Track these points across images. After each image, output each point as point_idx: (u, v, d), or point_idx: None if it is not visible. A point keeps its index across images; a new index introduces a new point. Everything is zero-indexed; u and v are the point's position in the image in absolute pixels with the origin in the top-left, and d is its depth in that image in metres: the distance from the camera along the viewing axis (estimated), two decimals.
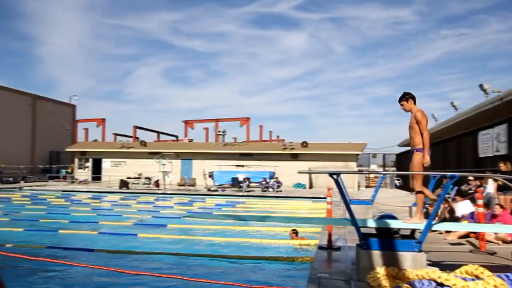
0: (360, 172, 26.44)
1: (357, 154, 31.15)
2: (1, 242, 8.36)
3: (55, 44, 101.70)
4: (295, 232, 9.45)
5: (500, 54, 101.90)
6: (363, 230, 4.47)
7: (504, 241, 6.58)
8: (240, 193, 23.74)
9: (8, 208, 16.14)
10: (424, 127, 5.11)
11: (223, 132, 36.06)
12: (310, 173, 29.85)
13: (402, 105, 5.37)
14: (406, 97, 5.33)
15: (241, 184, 25.47)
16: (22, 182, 30.75)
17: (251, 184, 25.85)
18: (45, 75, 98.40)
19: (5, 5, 78.89)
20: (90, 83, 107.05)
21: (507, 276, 3.73)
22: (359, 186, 29.26)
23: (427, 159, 5.00)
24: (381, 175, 9.92)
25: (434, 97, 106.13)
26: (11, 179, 30.55)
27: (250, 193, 23.81)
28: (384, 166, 36.77)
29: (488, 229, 5.89)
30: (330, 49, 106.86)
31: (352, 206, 5.04)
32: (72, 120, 43.76)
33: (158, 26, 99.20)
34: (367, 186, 30.93)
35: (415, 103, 5.32)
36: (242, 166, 28.95)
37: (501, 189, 8.62)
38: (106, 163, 34.02)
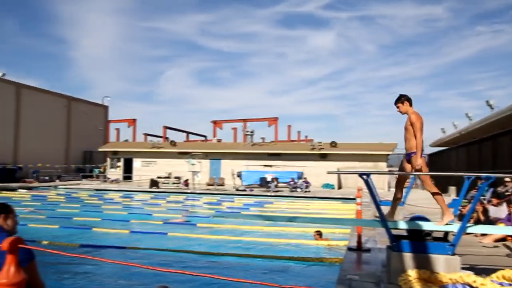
0: (390, 172, 25.97)
1: (387, 154, 30.61)
2: (38, 238, 8.66)
3: (89, 47, 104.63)
4: (319, 234, 9.35)
5: None
6: (393, 232, 4.39)
7: None
8: (268, 193, 23.74)
9: (45, 205, 16.71)
10: (418, 129, 5.07)
11: (252, 132, 36.15)
12: (339, 174, 29.56)
13: (398, 107, 5.38)
14: (402, 99, 5.34)
15: (269, 184, 25.46)
16: (57, 181, 31.78)
17: (279, 184, 25.81)
18: (79, 77, 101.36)
19: (42, 10, 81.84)
20: (122, 84, 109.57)
21: None
22: (389, 187, 28.74)
23: (419, 162, 4.93)
24: (413, 176, 9.67)
25: (468, 96, 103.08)
26: (47, 178, 31.62)
27: (278, 193, 23.79)
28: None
29: None
30: (358, 48, 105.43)
31: (382, 207, 4.96)
32: (105, 120, 44.89)
33: (188, 27, 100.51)
34: None
35: (411, 105, 5.32)
36: (270, 166, 28.93)
37: None
38: (137, 163, 34.73)
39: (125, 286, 6.28)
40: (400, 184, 5.64)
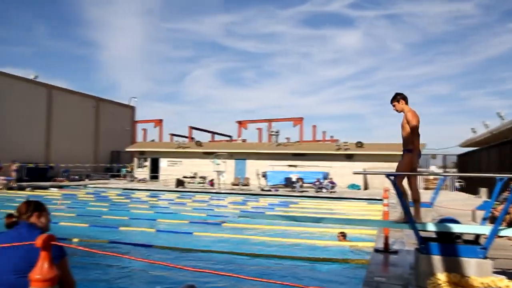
0: (418, 173, 25.46)
1: None
2: (69, 236, 8.89)
3: (116, 49, 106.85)
4: (343, 235, 9.25)
5: None
6: (422, 234, 4.30)
7: None
8: (294, 194, 23.66)
9: (75, 204, 17.15)
10: (413, 127, 5.05)
11: (276, 132, 36.11)
12: (365, 174, 29.19)
13: (394, 105, 5.36)
14: (398, 97, 5.33)
15: (294, 185, 25.37)
16: (86, 180, 32.59)
17: (304, 185, 25.68)
18: (107, 78, 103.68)
19: (72, 14, 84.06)
20: (148, 85, 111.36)
21: None
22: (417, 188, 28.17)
23: (415, 162, 5.08)
24: (441, 177, 9.46)
25: (500, 95, 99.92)
26: (77, 177, 32.46)
27: (303, 194, 23.67)
28: (444, 167, 35.12)
29: None
30: (385, 47, 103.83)
31: (411, 209, 4.87)
32: (132, 121, 45.73)
33: (212, 28, 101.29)
34: (426, 188, 29.67)
35: (407, 103, 5.29)
36: (295, 166, 28.82)
37: None
38: (163, 163, 35.23)
39: (153, 284, 6.38)
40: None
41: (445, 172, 33.47)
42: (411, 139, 5.14)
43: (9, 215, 2.83)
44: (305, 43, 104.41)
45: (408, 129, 5.17)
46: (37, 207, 2.93)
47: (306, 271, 7.20)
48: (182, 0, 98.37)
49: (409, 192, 5.35)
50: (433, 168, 36.07)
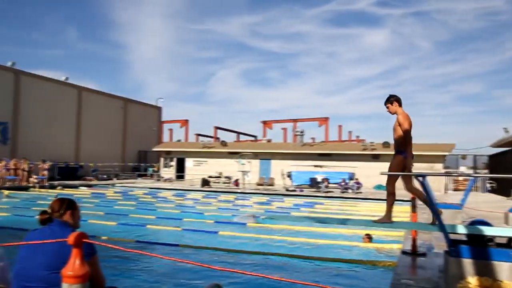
0: (448, 174, 24.87)
1: (444, 155, 29.34)
2: (98, 234, 9.10)
3: (143, 50, 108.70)
4: (369, 237, 9.11)
5: None
6: (451, 236, 4.20)
7: None
8: (319, 194, 23.50)
9: (103, 202, 17.53)
10: (406, 130, 5.09)
11: (301, 132, 35.95)
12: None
13: (387, 107, 5.42)
14: (391, 99, 5.39)
15: (320, 185, 25.20)
16: (114, 179, 33.25)
17: (329, 185, 25.48)
18: (135, 79, 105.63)
19: (101, 16, 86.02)
20: (175, 86, 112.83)
21: None
22: (446, 189, 27.54)
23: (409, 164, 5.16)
24: (472, 178, 9.22)
25: None
26: (105, 176, 33.18)
27: (328, 194, 23.48)
28: (475, 168, 34.17)
29: None
30: (413, 45, 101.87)
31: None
32: (158, 121, 46.40)
33: (237, 28, 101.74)
34: (455, 190, 28.99)
35: (400, 105, 5.34)
36: (321, 166, 28.63)
37: None
38: (188, 162, 35.61)
39: (179, 282, 6.46)
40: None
41: (475, 173, 32.57)
42: (403, 141, 5.20)
43: (43, 212, 2.92)
44: (331, 43, 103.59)
45: (399, 131, 5.22)
46: (70, 205, 3.02)
47: (332, 272, 7.15)
48: (208, 1, 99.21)
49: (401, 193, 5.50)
50: (462, 169, 35.16)
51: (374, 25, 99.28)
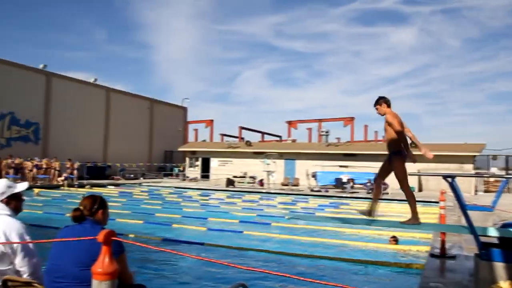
0: (477, 175, 24.19)
1: (474, 156, 28.55)
2: (125, 232, 9.28)
3: (170, 51, 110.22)
4: (395, 239, 8.94)
5: None
6: (482, 239, 4.08)
7: None
8: (344, 194, 23.28)
9: (131, 201, 17.86)
10: (396, 127, 5.08)
11: (327, 132, 35.68)
12: (420, 175, 28.09)
13: (377, 109, 5.48)
14: (380, 101, 5.44)
15: (345, 185, 24.95)
16: (141, 178, 33.82)
17: (355, 185, 25.19)
18: (161, 80, 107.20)
19: (128, 18, 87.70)
20: (200, 86, 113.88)
21: None
22: (476, 191, 26.81)
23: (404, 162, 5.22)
24: (504, 179, 8.93)
25: None
26: (132, 175, 33.79)
27: (354, 195, 23.22)
28: (507, 169, 33.09)
29: None
30: (442, 43, 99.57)
31: (469, 212, 4.65)
32: (184, 121, 46.91)
33: (262, 29, 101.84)
34: (486, 191, 28.18)
35: (389, 106, 5.37)
36: (346, 166, 28.34)
37: None
38: (213, 162, 35.86)
39: (204, 281, 6.52)
40: (383, 173, 5.69)
41: (507, 174, 31.55)
42: (398, 141, 5.22)
43: (76, 209, 2.99)
44: (357, 42, 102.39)
45: (391, 131, 5.24)
46: (102, 204, 3.09)
47: (358, 274, 7.07)
48: (233, 2, 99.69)
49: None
50: (494, 170, 34.11)
51: (401, 23, 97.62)
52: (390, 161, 5.39)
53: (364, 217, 5.66)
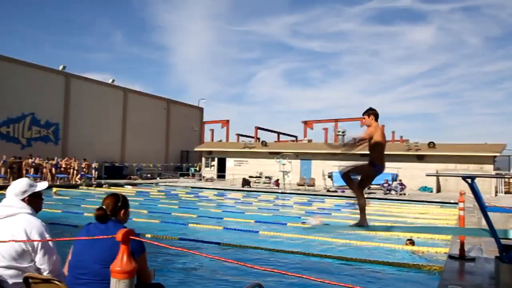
0: (499, 176, 23.72)
1: (495, 156, 28.00)
2: (143, 231, 9.37)
3: (186, 52, 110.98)
4: (411, 242, 8.75)
5: None
6: (503, 241, 4.00)
7: None
8: None
9: (147, 201, 18.04)
10: (380, 142, 5.28)
11: (343, 132, 35.41)
12: (438, 176, 27.70)
13: (363, 118, 5.57)
14: (369, 112, 5.50)
15: None
16: (158, 178, 34.11)
17: (372, 186, 24.95)
18: (177, 81, 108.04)
19: (146, 20, 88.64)
20: (216, 86, 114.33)
21: None
22: (496, 192, 26.29)
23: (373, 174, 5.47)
24: None
25: None
26: (149, 175, 34.12)
27: (370, 195, 23.01)
28: None
29: None
30: (462, 42, 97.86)
31: (490, 214, 4.56)
32: (200, 121, 47.17)
33: (278, 29, 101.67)
34: (506, 192, 27.62)
35: (376, 120, 5.45)
36: None
37: None
38: (229, 162, 35.97)
39: (220, 280, 6.54)
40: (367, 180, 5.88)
41: None
42: (378, 155, 5.40)
43: (100, 208, 3.05)
44: (374, 41, 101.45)
45: (372, 143, 5.38)
46: (124, 204, 3.15)
47: (375, 275, 7.00)
48: (249, 2, 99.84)
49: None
50: None
51: (420, 21, 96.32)
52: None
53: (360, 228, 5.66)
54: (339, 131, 36.18)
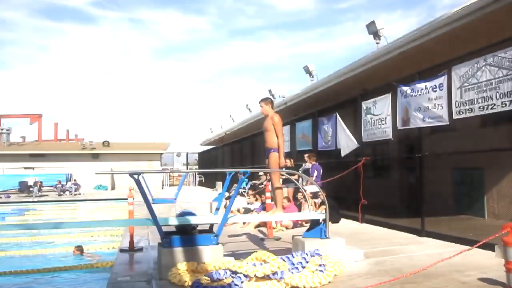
0: (163, 171, 26.54)
1: (161, 154, 31.30)
2: None
3: None
4: (79, 250, 8.53)
5: None
6: (165, 228, 4.50)
7: (287, 228, 7.60)
8: (31, 199, 21.10)
9: None
10: (280, 130, 5.69)
11: (8, 130, 31.53)
12: (111, 174, 28.48)
13: (261, 106, 5.89)
14: (267, 100, 5.92)
15: (31, 189, 22.65)
16: None
17: (43, 188, 23.28)
18: None
19: None
20: None
21: (288, 258, 4.31)
22: (163, 185, 29.43)
23: (283, 160, 5.65)
24: (184, 173, 10.17)
25: None
26: None
27: (42, 198, 21.36)
28: (187, 164, 37.82)
29: (270, 218, 6.53)
30: None
31: (156, 205, 5.06)
32: None
33: None
34: (171, 185, 31.38)
35: (272, 107, 5.92)
36: (33, 168, 25.81)
37: (284, 182, 9.87)
38: None
39: None
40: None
41: (187, 168, 36.06)
42: (276, 139, 5.59)
43: None
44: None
45: (273, 130, 5.59)
46: None
47: (52, 281, 6.60)
48: None
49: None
50: (177, 166, 38.34)
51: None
52: (268, 157, 5.62)
53: None
54: (2, 129, 31.83)
